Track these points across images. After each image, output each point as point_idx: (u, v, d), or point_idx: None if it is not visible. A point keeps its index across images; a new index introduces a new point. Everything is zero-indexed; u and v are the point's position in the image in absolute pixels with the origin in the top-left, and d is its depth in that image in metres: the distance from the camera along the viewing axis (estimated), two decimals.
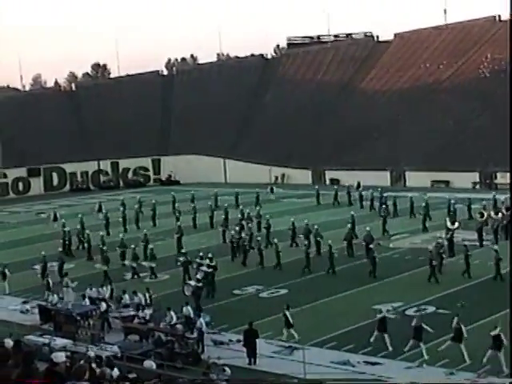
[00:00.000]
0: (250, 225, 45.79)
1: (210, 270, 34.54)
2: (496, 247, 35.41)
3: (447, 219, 43.04)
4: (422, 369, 23.78)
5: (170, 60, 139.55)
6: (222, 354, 24.78)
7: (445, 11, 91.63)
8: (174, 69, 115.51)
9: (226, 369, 22.04)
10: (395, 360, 24.83)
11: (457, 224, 42.12)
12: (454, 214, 46.20)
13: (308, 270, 36.81)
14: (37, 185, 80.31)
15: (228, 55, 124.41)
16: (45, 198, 74.37)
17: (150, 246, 39.92)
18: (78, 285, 34.36)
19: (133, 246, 40.02)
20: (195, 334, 26.66)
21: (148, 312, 28.75)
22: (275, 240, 39.71)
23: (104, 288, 32.44)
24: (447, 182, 66.46)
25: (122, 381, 15.18)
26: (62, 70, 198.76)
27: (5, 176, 78.86)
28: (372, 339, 25.80)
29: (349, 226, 42.47)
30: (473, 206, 48.68)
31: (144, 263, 39.03)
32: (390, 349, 25.34)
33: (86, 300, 30.88)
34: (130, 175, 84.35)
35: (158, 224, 52.57)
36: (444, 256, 36.20)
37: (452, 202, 49.31)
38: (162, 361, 23.87)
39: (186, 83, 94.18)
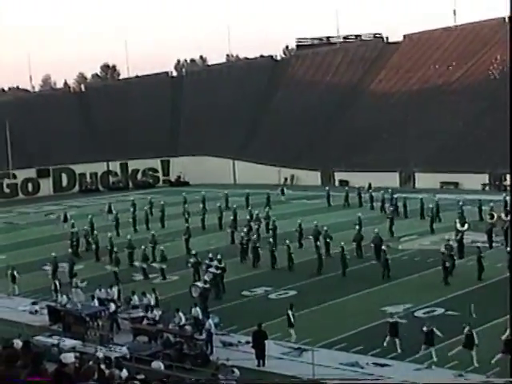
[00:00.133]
0: (256, 226, 45.73)
1: (219, 271, 34.55)
2: (509, 249, 35.18)
3: (457, 221, 42.91)
4: (431, 370, 23.74)
5: (179, 61, 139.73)
6: (231, 356, 24.77)
7: (454, 12, 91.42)
8: (184, 70, 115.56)
9: (235, 370, 22.04)
10: (404, 362, 24.81)
11: (466, 226, 42.00)
12: (462, 216, 46.07)
13: (318, 272, 36.79)
14: (46, 186, 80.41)
15: (237, 56, 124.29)
16: (54, 199, 74.46)
17: (161, 248, 39.91)
18: (87, 285, 34.44)
19: (143, 247, 40.06)
20: (204, 335, 26.67)
21: (157, 313, 28.76)
22: (287, 241, 39.62)
23: (113, 289, 32.47)
24: (456, 184, 66.25)
25: (131, 381, 15.17)
26: (71, 71, 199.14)
27: (14, 177, 79.01)
28: (385, 344, 25.77)
29: (357, 227, 42.45)
30: (483, 208, 48.50)
31: (154, 264, 39.05)
32: (399, 351, 25.33)
33: (95, 301, 30.90)
34: (139, 176, 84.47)
35: (166, 225, 52.53)
36: (455, 258, 36.07)
37: (460, 203, 49.13)
38: (171, 362, 23.89)
39: (196, 84, 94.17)
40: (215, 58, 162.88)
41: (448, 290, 32.76)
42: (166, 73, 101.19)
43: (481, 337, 24.39)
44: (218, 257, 35.85)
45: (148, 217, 53.29)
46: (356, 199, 57.90)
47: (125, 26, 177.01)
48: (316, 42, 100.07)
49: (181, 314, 27.74)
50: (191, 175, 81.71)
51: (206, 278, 33.48)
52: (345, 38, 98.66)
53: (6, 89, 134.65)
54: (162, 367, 20.56)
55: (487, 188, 64.20)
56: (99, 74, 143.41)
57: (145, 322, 28.80)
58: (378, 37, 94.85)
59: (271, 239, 41.07)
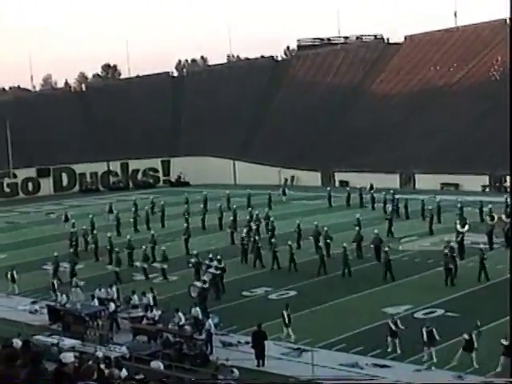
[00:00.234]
0: (255, 227, 45.69)
1: (218, 271, 34.54)
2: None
3: (457, 222, 42.89)
4: (431, 371, 23.73)
5: (180, 61, 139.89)
6: (231, 356, 24.78)
7: (455, 14, 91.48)
8: (184, 70, 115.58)
9: (235, 370, 22.01)
10: (404, 362, 24.80)
11: (467, 227, 41.96)
12: (462, 217, 46.01)
13: (318, 272, 36.80)
14: (46, 185, 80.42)
15: (238, 57, 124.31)
16: (54, 199, 74.52)
17: (163, 248, 39.88)
18: (86, 285, 34.43)
19: (143, 247, 40.05)
20: (204, 335, 26.66)
21: (157, 313, 28.76)
22: (289, 242, 39.57)
23: (113, 288, 32.47)
24: (456, 185, 66.20)
25: (130, 381, 15.19)
26: (72, 71, 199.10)
27: (14, 176, 79.03)
28: (389, 349, 25.72)
29: (357, 228, 42.44)
30: (484, 209, 48.45)
31: (156, 264, 39.04)
32: (399, 351, 25.33)
33: (95, 300, 30.90)
34: (139, 176, 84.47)
35: (166, 225, 52.52)
36: (457, 259, 36.04)
37: (459, 205, 49.04)
38: (171, 362, 23.88)
39: (196, 84, 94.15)
40: (216, 58, 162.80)
41: (448, 292, 32.74)
42: (167, 73, 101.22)
43: (481, 338, 24.37)
44: (218, 257, 35.85)
45: (149, 217, 53.28)
46: (357, 200, 57.86)
47: (126, 25, 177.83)
48: (317, 42, 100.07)
49: (180, 313, 27.74)
50: (191, 175, 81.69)
51: (205, 278, 33.47)
52: (346, 38, 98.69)
53: (6, 88, 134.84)
54: (162, 367, 20.59)
55: (487, 190, 64.16)
56: (100, 73, 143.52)
57: (144, 321, 28.80)
58: (379, 38, 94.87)
59: (274, 240, 40.94)
